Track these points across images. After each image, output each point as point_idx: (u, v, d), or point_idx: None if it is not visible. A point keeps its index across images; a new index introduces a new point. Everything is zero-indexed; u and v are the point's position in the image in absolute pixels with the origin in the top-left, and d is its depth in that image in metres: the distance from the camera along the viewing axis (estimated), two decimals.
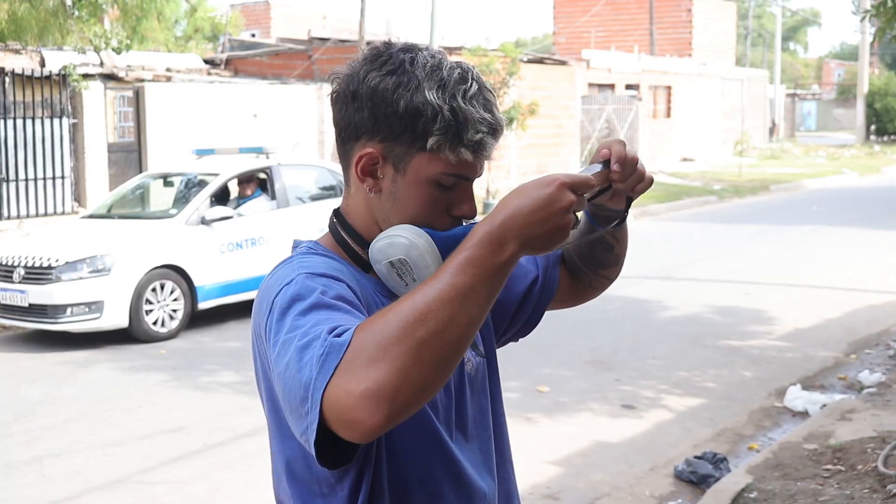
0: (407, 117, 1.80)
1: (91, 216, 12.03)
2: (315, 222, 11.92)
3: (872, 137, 48.20)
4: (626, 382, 8.87)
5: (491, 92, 1.87)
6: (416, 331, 1.56)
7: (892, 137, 47.96)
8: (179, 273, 10.64)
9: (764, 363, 9.52)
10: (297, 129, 20.95)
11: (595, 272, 2.32)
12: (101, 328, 10.19)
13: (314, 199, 12.35)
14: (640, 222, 20.59)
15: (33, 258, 10.34)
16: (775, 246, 16.78)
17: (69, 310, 10.05)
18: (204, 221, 10.95)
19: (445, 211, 1.87)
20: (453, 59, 1.90)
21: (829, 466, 6.61)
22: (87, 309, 10.09)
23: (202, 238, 10.92)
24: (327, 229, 2.01)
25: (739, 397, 8.49)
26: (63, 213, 16.71)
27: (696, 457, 6.86)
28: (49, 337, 10.47)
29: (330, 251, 1.93)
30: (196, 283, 10.73)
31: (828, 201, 23.94)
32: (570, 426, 7.68)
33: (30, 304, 10.19)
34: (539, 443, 7.26)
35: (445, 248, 1.75)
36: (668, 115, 34.52)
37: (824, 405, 8.09)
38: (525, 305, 2.32)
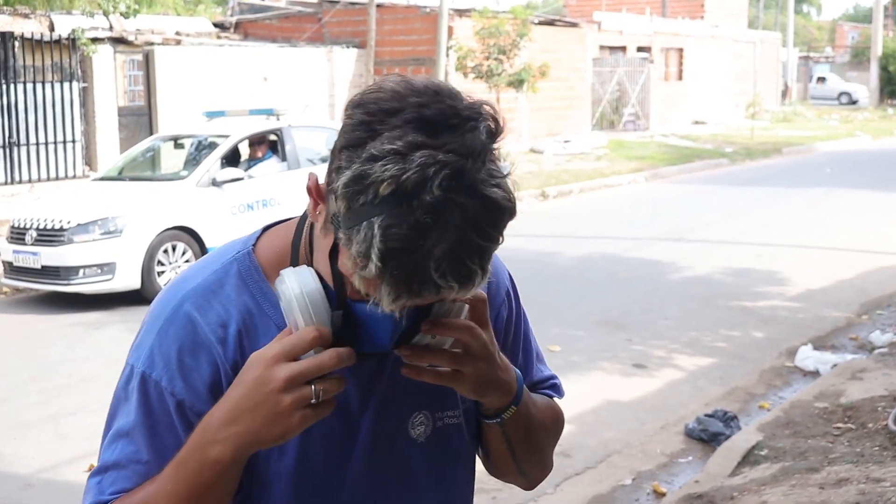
0: (339, 188, 1.32)
1: (102, 178, 12.06)
2: None
3: (887, 101, 47.90)
4: (637, 342, 8.92)
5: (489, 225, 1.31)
6: None
7: None
8: (191, 234, 10.69)
9: (775, 323, 9.56)
10: (307, 92, 21.03)
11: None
12: (113, 290, 10.25)
13: (325, 160, 12.30)
14: (652, 184, 20.63)
15: (45, 220, 10.39)
16: (787, 208, 16.81)
17: (81, 271, 10.12)
18: (215, 183, 10.98)
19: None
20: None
21: (840, 425, 6.66)
22: (99, 270, 10.15)
23: (213, 199, 10.95)
24: None
25: (750, 357, 8.55)
26: (74, 176, 16.81)
27: (706, 415, 6.94)
28: (62, 298, 10.52)
29: (253, 267, 1.63)
30: (208, 244, 10.73)
31: (841, 164, 23.89)
32: (581, 385, 7.68)
33: (42, 266, 10.27)
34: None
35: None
36: (680, 77, 34.39)
37: (835, 365, 8.14)
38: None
